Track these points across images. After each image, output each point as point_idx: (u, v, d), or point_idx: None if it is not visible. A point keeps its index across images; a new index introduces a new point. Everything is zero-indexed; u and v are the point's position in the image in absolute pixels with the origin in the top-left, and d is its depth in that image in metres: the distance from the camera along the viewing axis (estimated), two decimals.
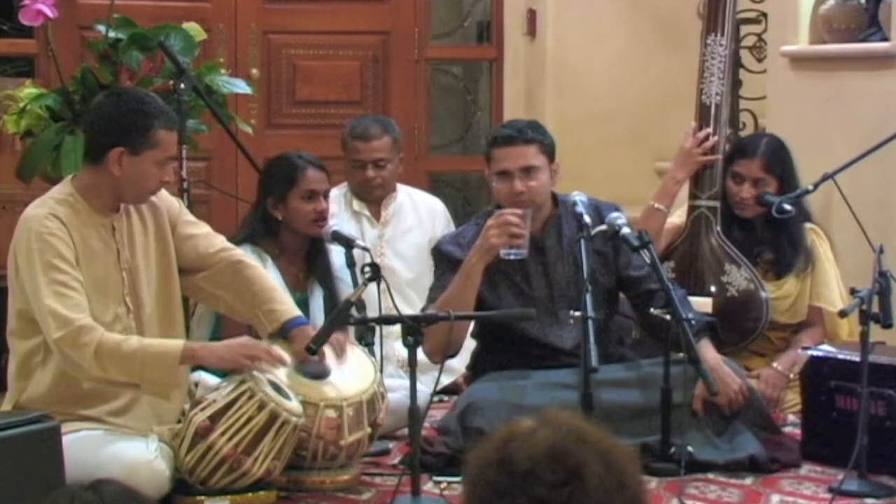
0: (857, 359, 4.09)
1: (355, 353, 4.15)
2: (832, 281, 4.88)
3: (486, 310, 4.31)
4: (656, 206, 4.91)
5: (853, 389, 4.11)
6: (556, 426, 1.78)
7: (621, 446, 1.80)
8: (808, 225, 4.92)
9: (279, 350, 3.90)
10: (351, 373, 4.05)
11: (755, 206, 4.87)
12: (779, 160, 4.88)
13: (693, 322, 4.17)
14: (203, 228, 4.10)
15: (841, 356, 4.27)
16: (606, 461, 1.74)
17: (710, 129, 4.94)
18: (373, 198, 5.31)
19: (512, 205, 4.26)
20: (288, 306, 4.07)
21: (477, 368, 4.54)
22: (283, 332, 4.00)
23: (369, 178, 5.23)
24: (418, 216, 5.41)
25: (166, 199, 4.03)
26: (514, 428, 1.79)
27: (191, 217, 4.11)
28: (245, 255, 4.18)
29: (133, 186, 3.85)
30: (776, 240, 4.91)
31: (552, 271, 4.39)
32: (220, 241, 4.11)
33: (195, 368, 4.11)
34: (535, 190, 4.31)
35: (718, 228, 4.91)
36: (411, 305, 5.11)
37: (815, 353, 4.38)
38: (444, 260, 4.40)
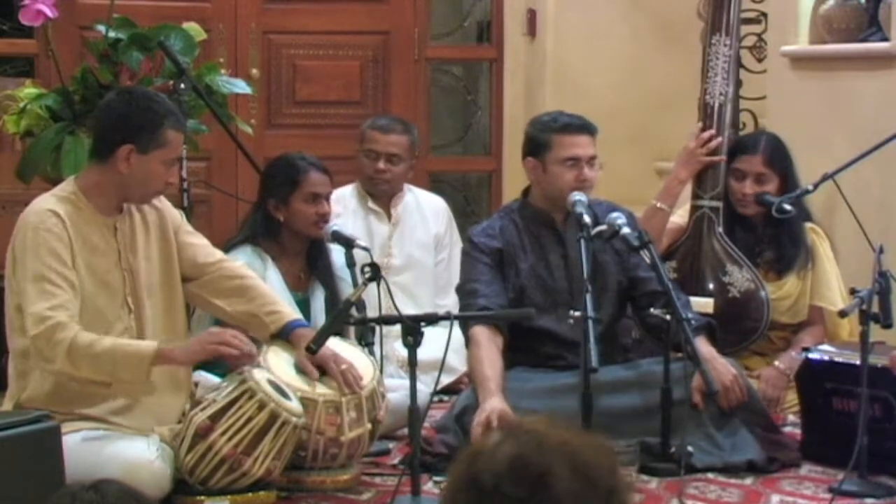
0: (852, 361, 4.13)
1: (352, 351, 4.15)
2: (833, 280, 4.88)
3: (514, 305, 4.39)
4: (659, 205, 4.93)
5: (849, 391, 4.13)
6: (518, 436, 1.74)
7: (591, 443, 1.76)
8: (808, 224, 4.92)
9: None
10: None
11: (756, 203, 4.88)
12: (780, 155, 4.90)
13: (693, 322, 4.18)
14: (202, 240, 4.12)
15: (834, 359, 4.27)
16: (572, 463, 1.70)
17: (713, 130, 4.95)
18: (377, 192, 5.34)
19: (574, 190, 4.36)
20: (289, 309, 4.11)
21: None
22: (286, 333, 4.01)
23: (380, 169, 5.27)
24: (422, 214, 5.45)
25: (170, 208, 4.07)
26: (479, 444, 1.76)
27: (191, 228, 4.13)
28: (242, 266, 4.19)
29: (139, 185, 3.86)
30: (777, 237, 4.91)
31: (572, 264, 4.41)
32: (218, 253, 4.14)
33: (196, 368, 4.12)
34: (594, 180, 4.44)
35: (720, 229, 4.91)
36: (419, 304, 5.12)
37: (809, 355, 4.38)
38: (478, 250, 4.45)
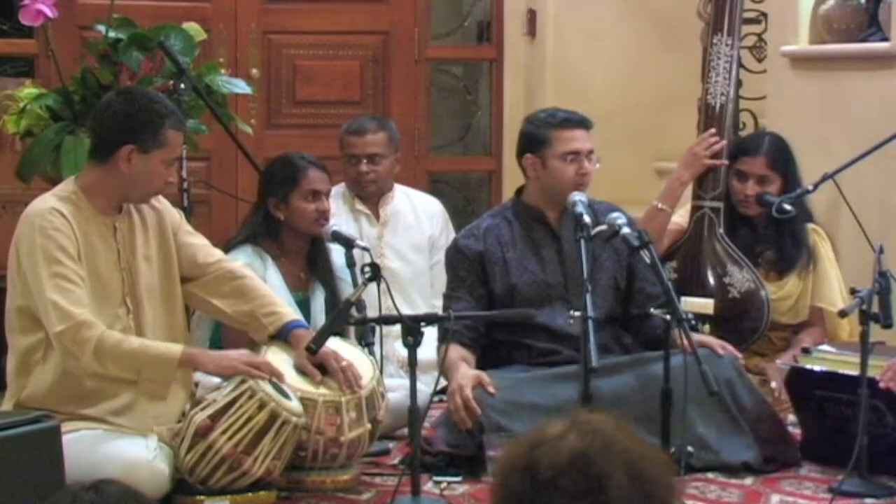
0: (838, 370, 4.17)
1: (352, 351, 4.15)
2: (833, 281, 4.88)
3: (496, 300, 4.39)
4: (660, 206, 4.93)
5: (840, 398, 4.13)
6: (584, 432, 1.74)
7: (653, 453, 1.76)
8: (810, 225, 4.93)
9: (277, 366, 3.90)
10: None
11: (757, 203, 4.88)
12: (782, 157, 4.91)
13: (693, 322, 4.18)
14: (201, 240, 4.12)
15: (821, 368, 4.27)
16: (631, 471, 1.70)
17: (720, 137, 4.96)
18: (366, 194, 5.32)
19: (576, 186, 4.38)
20: (288, 309, 4.10)
21: (478, 366, 4.55)
22: (284, 334, 4.01)
23: (362, 172, 5.25)
24: (416, 216, 5.42)
25: (169, 208, 4.07)
26: (543, 431, 1.76)
27: (190, 228, 4.13)
28: (241, 266, 4.19)
29: (139, 185, 3.87)
30: (778, 238, 4.91)
31: (567, 259, 4.41)
32: (218, 253, 4.14)
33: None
34: (592, 175, 4.46)
35: (721, 230, 4.91)
36: (414, 305, 5.12)
37: (796, 364, 4.39)
38: (459, 258, 4.46)
